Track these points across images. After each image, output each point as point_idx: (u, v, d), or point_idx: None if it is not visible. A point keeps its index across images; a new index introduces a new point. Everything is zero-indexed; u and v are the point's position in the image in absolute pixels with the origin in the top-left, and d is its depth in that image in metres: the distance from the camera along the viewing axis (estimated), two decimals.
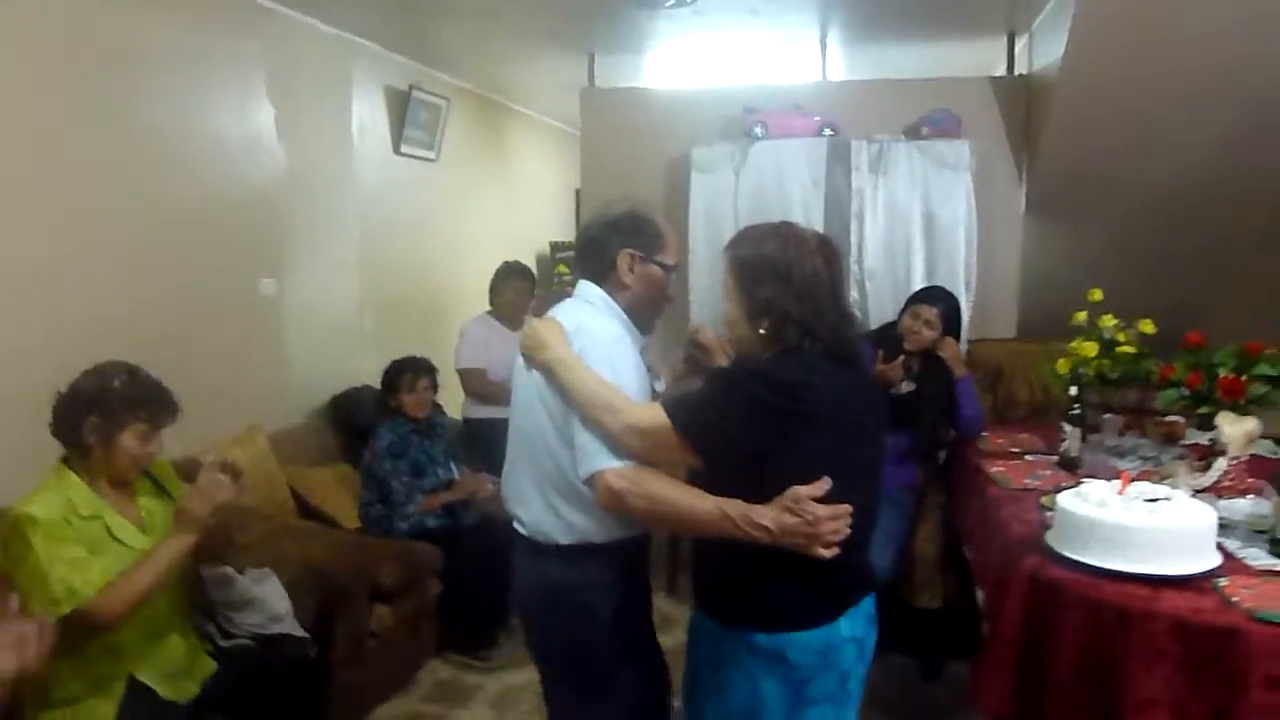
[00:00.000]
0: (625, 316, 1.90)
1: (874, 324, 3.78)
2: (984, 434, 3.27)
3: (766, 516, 1.60)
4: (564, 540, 1.85)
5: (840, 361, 1.71)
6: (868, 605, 1.79)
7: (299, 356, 4.14)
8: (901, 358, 3.20)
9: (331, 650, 2.77)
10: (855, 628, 1.73)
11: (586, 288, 1.92)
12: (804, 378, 1.65)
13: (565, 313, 1.88)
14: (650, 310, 1.94)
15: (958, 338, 3.34)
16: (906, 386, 3.25)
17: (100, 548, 2.05)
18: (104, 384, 2.12)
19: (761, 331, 1.72)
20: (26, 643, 1.46)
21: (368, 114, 4.70)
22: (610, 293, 1.90)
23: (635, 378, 1.83)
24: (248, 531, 2.77)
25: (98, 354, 2.22)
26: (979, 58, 4.52)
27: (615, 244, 1.88)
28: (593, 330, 1.82)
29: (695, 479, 1.73)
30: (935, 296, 3.30)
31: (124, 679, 2.08)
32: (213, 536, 2.22)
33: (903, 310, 3.33)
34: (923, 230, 4.11)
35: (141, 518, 2.17)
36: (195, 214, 3.50)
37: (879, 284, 4.16)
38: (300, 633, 2.51)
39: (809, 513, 1.59)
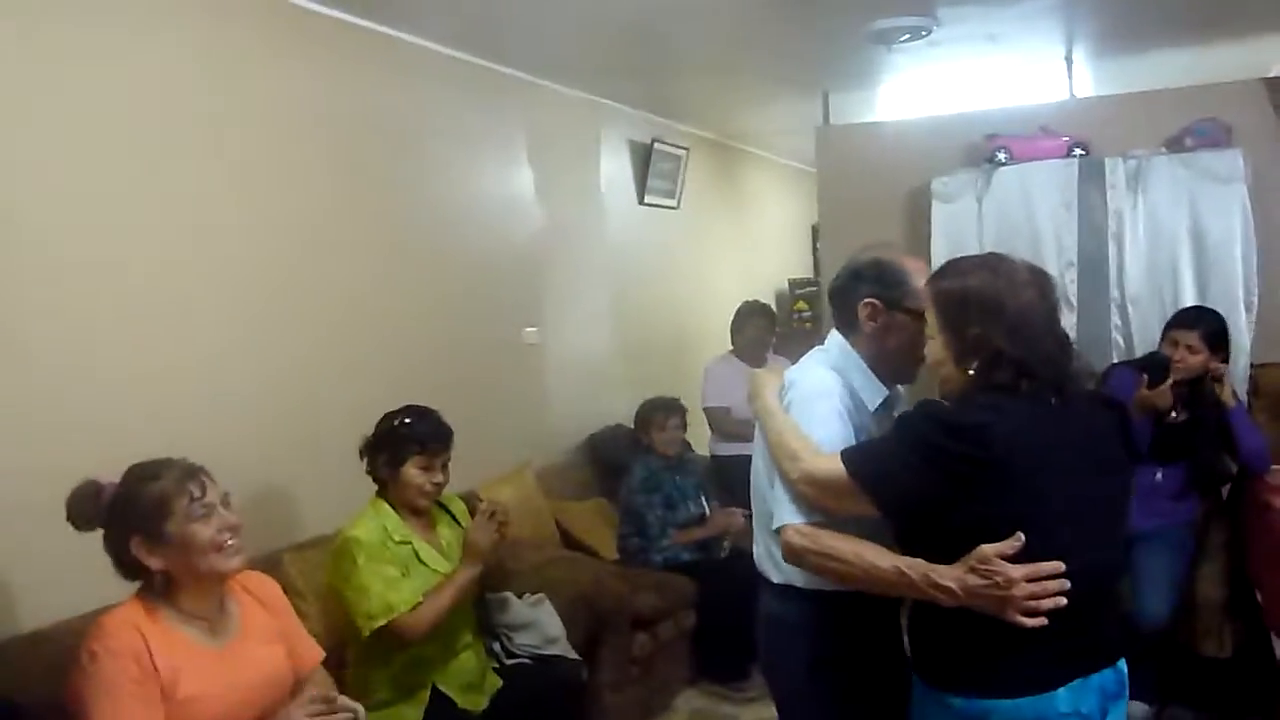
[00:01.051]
0: (865, 367, 1.87)
1: (1139, 353, 3.58)
2: (1274, 467, 3.00)
3: (949, 577, 1.50)
4: (775, 579, 1.88)
5: (1058, 405, 1.58)
6: (1107, 678, 1.59)
7: (559, 398, 4.47)
8: (1169, 382, 3.00)
9: (598, 673, 2.97)
10: (1082, 702, 1.54)
11: (831, 337, 1.94)
12: (989, 419, 1.51)
13: (801, 362, 1.93)
14: (901, 360, 1.87)
15: (1227, 358, 3.10)
16: (1178, 415, 3.05)
17: (410, 570, 2.37)
18: (390, 425, 2.48)
19: (970, 372, 1.60)
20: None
21: (614, 169, 5.03)
22: (855, 343, 1.89)
23: (837, 431, 1.75)
24: (520, 560, 3.03)
25: (392, 400, 2.57)
26: (1249, 59, 4.17)
27: (859, 293, 1.87)
28: (802, 381, 1.84)
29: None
30: (1191, 319, 3.10)
31: (428, 688, 2.37)
32: (492, 567, 2.51)
33: (1161, 339, 3.14)
34: (1191, 249, 3.82)
35: (442, 545, 2.48)
36: (467, 272, 3.89)
37: (1143, 309, 3.90)
38: (573, 655, 2.73)
39: (998, 573, 1.45)
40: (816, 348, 1.96)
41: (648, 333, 5.29)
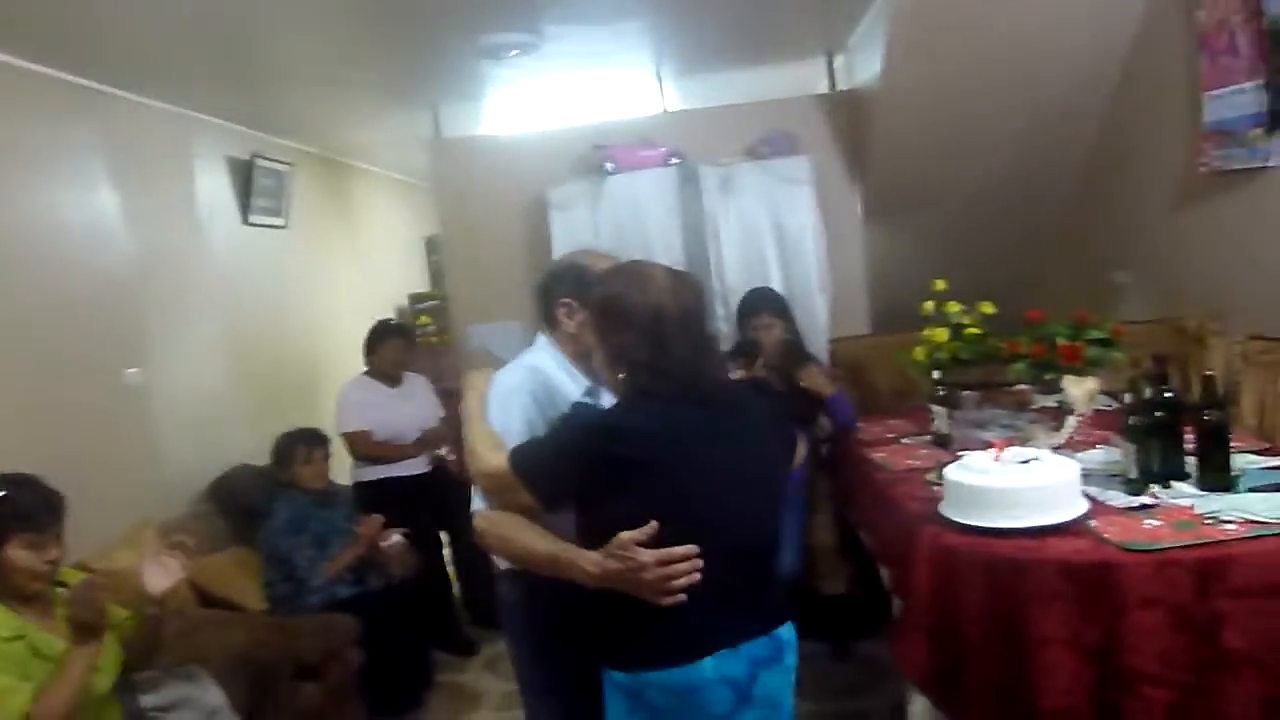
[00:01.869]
0: (566, 363, 1.99)
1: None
2: (859, 424, 3.53)
3: (591, 561, 1.63)
4: (500, 565, 2.00)
5: (697, 402, 1.70)
6: (759, 646, 1.72)
7: (174, 443, 4.00)
8: (760, 362, 3.35)
9: None
10: (731, 669, 1.66)
11: (537, 337, 2.05)
12: (627, 421, 1.68)
13: (510, 364, 2.01)
14: None
15: (795, 325, 3.59)
16: (778, 389, 3.44)
17: (28, 669, 1.98)
18: None
19: (620, 376, 1.74)
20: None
21: (212, 188, 4.61)
22: (557, 340, 2.01)
23: (514, 428, 1.86)
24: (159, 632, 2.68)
25: None
26: (804, 77, 4.85)
27: (557, 293, 1.99)
28: (498, 379, 1.95)
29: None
30: (758, 301, 3.59)
31: None
32: (146, 638, 2.20)
33: (741, 325, 3.57)
34: (775, 243, 4.36)
35: (66, 630, 2.10)
36: (47, 311, 3.35)
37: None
38: None
39: (631, 558, 1.59)
40: (530, 346, 2.05)
41: (267, 362, 4.93)
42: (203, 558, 3.64)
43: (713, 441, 1.71)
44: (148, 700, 2.34)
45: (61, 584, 2.19)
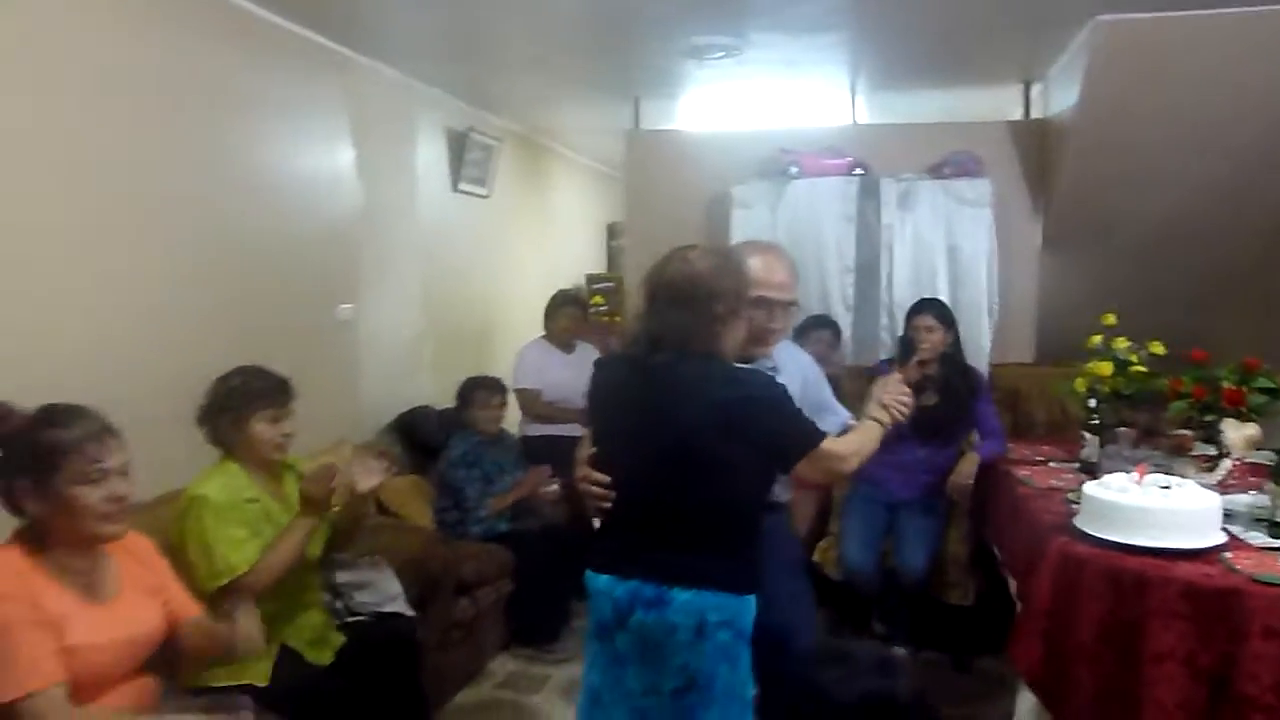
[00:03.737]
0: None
1: None
2: (1009, 445, 3.59)
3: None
4: None
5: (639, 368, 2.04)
6: (644, 589, 1.97)
7: (370, 377, 4.48)
8: (916, 359, 3.44)
9: (424, 634, 3.07)
10: (616, 591, 2.01)
11: None
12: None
13: None
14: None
15: (958, 337, 3.66)
16: (929, 400, 3.53)
17: (258, 528, 2.38)
18: (227, 386, 2.48)
19: None
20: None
21: (430, 154, 5.08)
22: None
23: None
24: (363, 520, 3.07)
25: (213, 368, 2.55)
26: (997, 103, 4.90)
27: None
28: None
29: None
30: (924, 306, 3.67)
31: (276, 644, 2.40)
32: (349, 525, 2.58)
33: (905, 326, 3.68)
34: (947, 262, 4.45)
35: (291, 502, 2.50)
36: (286, 243, 3.84)
37: None
38: (410, 612, 2.84)
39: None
40: None
41: (456, 317, 5.38)
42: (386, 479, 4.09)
43: (631, 402, 2.05)
44: (341, 577, 2.73)
45: (290, 467, 2.60)
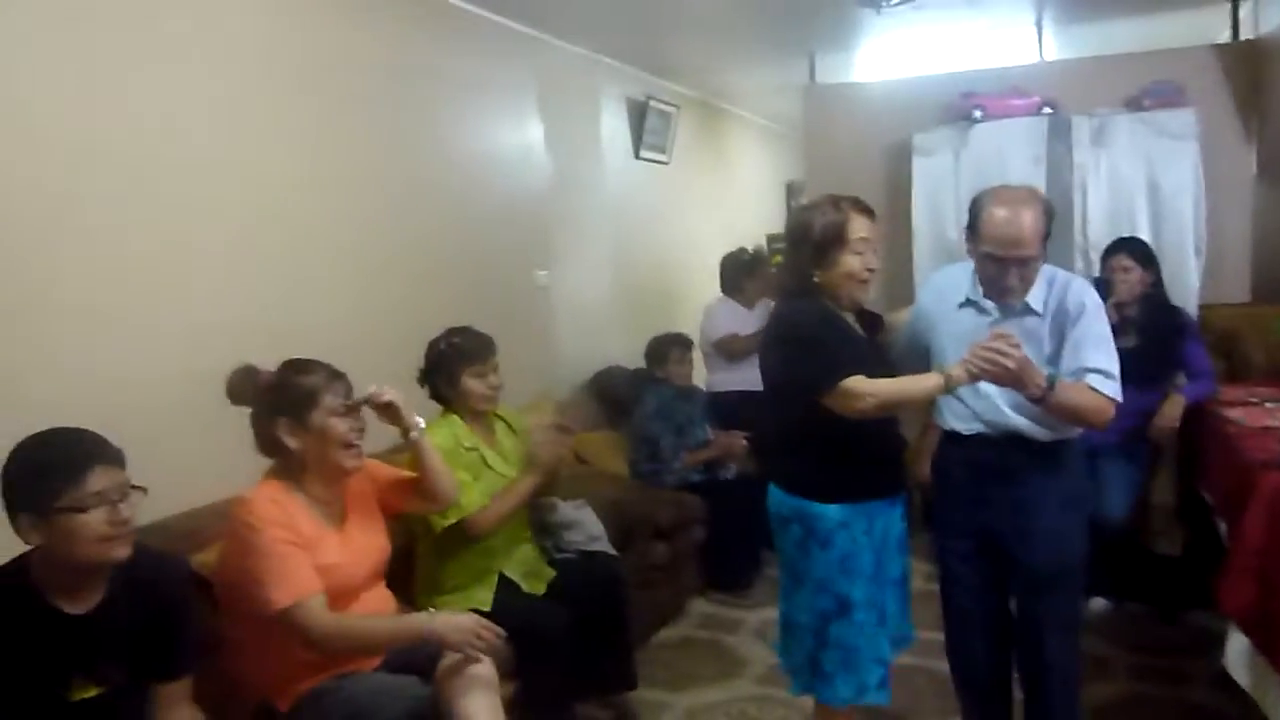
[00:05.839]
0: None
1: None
2: (1219, 388, 3.42)
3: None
4: None
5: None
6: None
7: (566, 338, 4.76)
8: (1112, 301, 3.30)
9: (626, 574, 3.29)
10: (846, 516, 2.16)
11: None
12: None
13: None
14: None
15: (1160, 276, 3.53)
16: (1129, 342, 3.39)
17: (478, 473, 2.66)
18: (439, 348, 2.77)
19: None
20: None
21: (613, 124, 5.29)
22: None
23: None
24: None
25: (426, 331, 2.83)
26: (1200, 26, 4.57)
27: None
28: None
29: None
30: (1120, 244, 3.56)
31: (495, 575, 2.68)
32: (549, 477, 2.83)
33: (1101, 267, 3.58)
34: (1147, 200, 4.22)
35: (504, 451, 2.77)
36: (486, 214, 4.13)
37: None
38: (613, 551, 3.06)
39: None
40: None
41: (640, 278, 5.59)
42: (584, 433, 4.36)
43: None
44: (550, 517, 2.99)
45: (501, 418, 2.87)
